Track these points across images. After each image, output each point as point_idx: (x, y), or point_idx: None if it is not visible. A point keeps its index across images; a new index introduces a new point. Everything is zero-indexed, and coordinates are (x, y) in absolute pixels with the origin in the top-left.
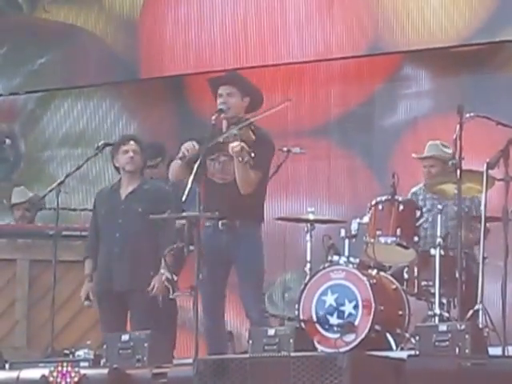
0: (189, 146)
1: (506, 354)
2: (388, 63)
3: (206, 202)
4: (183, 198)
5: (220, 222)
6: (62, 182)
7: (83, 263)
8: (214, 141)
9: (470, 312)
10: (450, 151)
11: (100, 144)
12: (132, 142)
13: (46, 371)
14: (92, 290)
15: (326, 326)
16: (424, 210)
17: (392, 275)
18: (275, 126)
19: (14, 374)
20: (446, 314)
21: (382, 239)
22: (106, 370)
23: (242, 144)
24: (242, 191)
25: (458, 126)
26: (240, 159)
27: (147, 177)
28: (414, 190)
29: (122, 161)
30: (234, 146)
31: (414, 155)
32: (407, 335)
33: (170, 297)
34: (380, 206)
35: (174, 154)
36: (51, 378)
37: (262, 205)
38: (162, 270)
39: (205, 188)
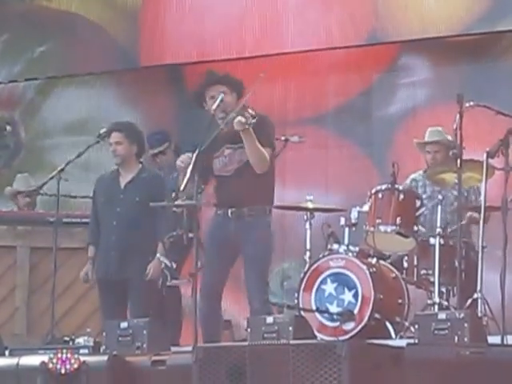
0: (183, 159)
1: (504, 342)
2: (386, 53)
3: (218, 197)
4: (181, 188)
5: (229, 211)
6: (62, 170)
7: (84, 250)
8: (214, 134)
9: (469, 301)
10: (450, 138)
11: (101, 131)
12: (114, 134)
13: (45, 358)
14: (91, 270)
15: (326, 315)
16: (424, 196)
17: (391, 264)
18: (274, 114)
19: (13, 361)
20: (445, 303)
21: (382, 228)
22: (105, 357)
23: (244, 113)
24: (257, 171)
25: (457, 116)
26: (247, 126)
27: (152, 164)
28: (413, 176)
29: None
30: (239, 119)
31: (416, 140)
32: (406, 324)
33: (168, 284)
34: (380, 195)
35: (178, 141)
36: (51, 365)
37: (271, 191)
38: (160, 258)
39: (216, 185)
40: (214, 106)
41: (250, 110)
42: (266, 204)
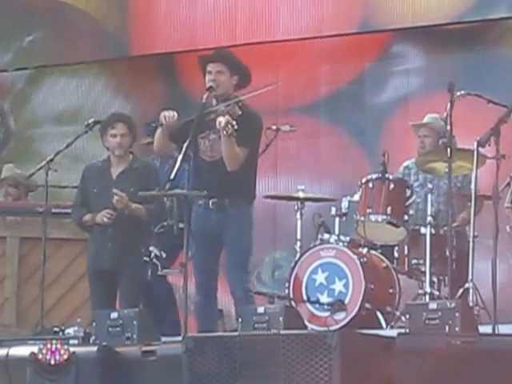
0: (168, 114)
1: (496, 332)
2: (379, 41)
3: (196, 181)
4: (172, 176)
5: (210, 201)
6: (51, 160)
7: (73, 241)
8: (201, 117)
9: (461, 290)
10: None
11: (90, 121)
12: (120, 125)
13: (35, 348)
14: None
15: (317, 305)
16: (416, 184)
17: (382, 253)
18: (265, 103)
19: (3, 352)
20: (437, 293)
21: (373, 217)
22: (95, 348)
23: (227, 117)
24: (228, 168)
25: (448, 104)
26: (225, 133)
27: (145, 152)
28: (406, 163)
29: (111, 145)
30: (220, 120)
31: (411, 123)
32: (397, 313)
33: (159, 273)
34: (370, 184)
35: None
36: (40, 356)
37: (252, 183)
38: (150, 248)
39: (195, 166)
40: (208, 85)
41: (238, 110)
42: (247, 195)
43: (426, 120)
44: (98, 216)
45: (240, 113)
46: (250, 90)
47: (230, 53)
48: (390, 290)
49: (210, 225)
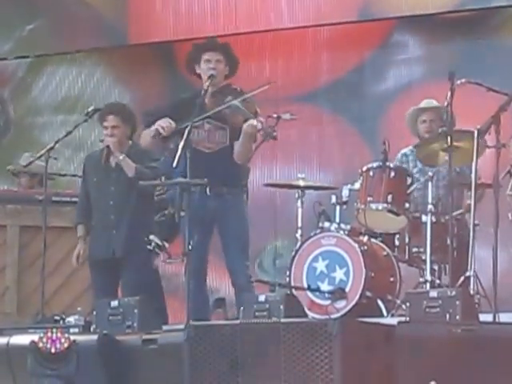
0: (165, 124)
1: (496, 320)
2: (379, 29)
3: (192, 171)
4: (174, 165)
5: (207, 188)
6: (51, 148)
7: (74, 229)
8: (212, 111)
9: (461, 278)
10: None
11: (90, 110)
12: (111, 117)
13: (35, 337)
14: (84, 251)
15: (317, 293)
16: (415, 170)
17: (383, 242)
18: (266, 92)
19: (3, 340)
20: (437, 281)
21: (373, 206)
22: (95, 336)
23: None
24: (239, 161)
25: (449, 93)
26: (262, 137)
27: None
28: (403, 151)
29: (104, 136)
30: (251, 123)
31: (413, 107)
32: (398, 302)
33: (161, 262)
34: (371, 173)
35: None
36: (41, 344)
37: (246, 172)
38: (151, 236)
39: (191, 157)
40: (209, 73)
41: (261, 119)
42: (242, 183)
43: (426, 104)
44: (77, 248)
45: (259, 110)
46: (245, 82)
47: (225, 43)
48: (391, 279)
49: (206, 212)
